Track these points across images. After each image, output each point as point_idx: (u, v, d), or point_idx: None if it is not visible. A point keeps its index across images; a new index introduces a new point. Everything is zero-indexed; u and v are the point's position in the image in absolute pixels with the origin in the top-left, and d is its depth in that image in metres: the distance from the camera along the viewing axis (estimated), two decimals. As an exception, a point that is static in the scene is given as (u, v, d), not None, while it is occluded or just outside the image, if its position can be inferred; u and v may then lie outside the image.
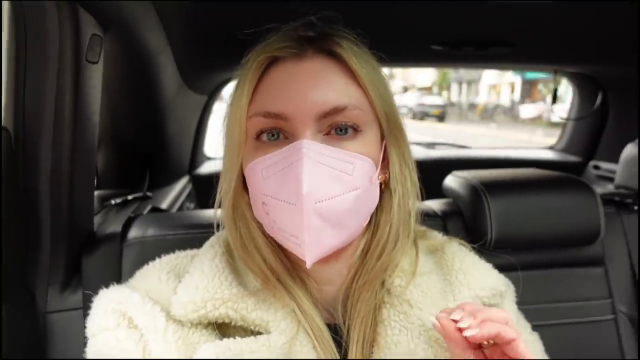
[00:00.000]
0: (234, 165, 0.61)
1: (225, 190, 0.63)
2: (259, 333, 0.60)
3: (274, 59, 0.60)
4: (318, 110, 0.56)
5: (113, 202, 1.21)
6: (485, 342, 0.52)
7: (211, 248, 0.68)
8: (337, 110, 0.57)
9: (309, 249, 0.56)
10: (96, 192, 1.22)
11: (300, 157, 0.54)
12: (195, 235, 0.89)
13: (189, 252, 0.71)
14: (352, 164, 0.58)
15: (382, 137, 0.63)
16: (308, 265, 0.57)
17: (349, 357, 0.62)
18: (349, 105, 0.57)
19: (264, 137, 0.59)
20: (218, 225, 0.68)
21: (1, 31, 0.70)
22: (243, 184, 0.63)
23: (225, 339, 0.59)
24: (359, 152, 0.58)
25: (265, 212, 0.59)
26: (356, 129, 0.59)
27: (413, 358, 0.60)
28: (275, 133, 0.59)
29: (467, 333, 0.50)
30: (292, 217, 0.56)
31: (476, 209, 1.05)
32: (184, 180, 1.92)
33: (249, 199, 0.63)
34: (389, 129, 0.62)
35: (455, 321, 0.51)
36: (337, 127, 0.58)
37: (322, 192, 0.55)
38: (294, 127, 0.57)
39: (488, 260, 0.75)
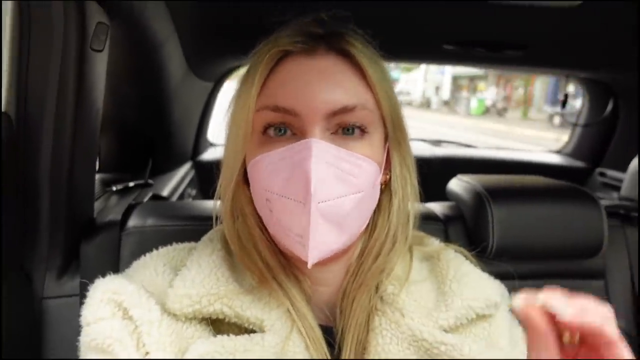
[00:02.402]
0: (236, 158, 0.60)
1: (225, 183, 0.63)
2: (253, 331, 0.60)
3: (286, 54, 0.59)
4: (328, 109, 0.56)
5: (114, 188, 1.20)
6: (569, 338, 0.42)
7: (209, 243, 0.67)
8: (346, 110, 0.56)
9: (312, 249, 0.55)
10: (97, 176, 1.21)
11: (310, 155, 0.54)
12: (195, 227, 0.88)
13: (187, 245, 0.70)
14: (359, 167, 0.57)
15: (386, 139, 0.63)
16: (309, 265, 0.56)
17: (342, 357, 0.61)
18: (358, 105, 0.57)
19: (271, 132, 0.58)
20: (217, 218, 0.67)
21: (5, 17, 0.69)
22: (244, 177, 0.63)
23: (219, 336, 0.58)
24: (365, 154, 0.58)
25: (269, 210, 0.59)
26: (363, 130, 0.58)
27: None
28: (283, 128, 0.58)
29: (564, 317, 0.39)
30: (298, 216, 0.55)
31: (479, 215, 1.04)
32: (186, 166, 1.91)
33: (250, 193, 0.63)
34: (393, 132, 0.62)
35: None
36: (344, 127, 0.57)
37: (327, 191, 0.54)
38: (303, 124, 0.56)
39: (487, 268, 0.74)
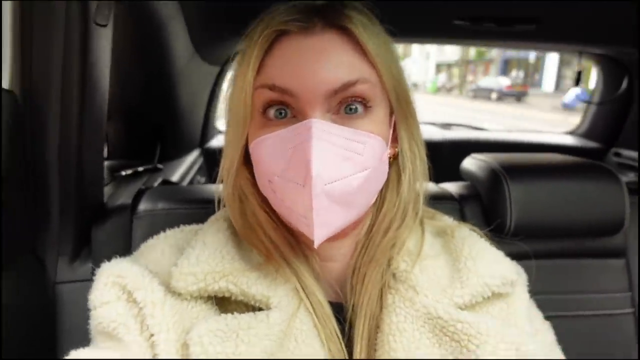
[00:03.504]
0: (237, 140, 0.60)
1: (227, 165, 0.62)
2: (260, 309, 0.59)
3: (281, 32, 0.57)
4: (327, 88, 0.54)
5: (123, 173, 1.19)
6: None
7: (215, 222, 0.66)
8: (346, 86, 0.55)
9: (318, 229, 0.54)
10: (106, 163, 1.20)
11: (310, 137, 0.53)
12: (207, 210, 0.87)
13: (194, 227, 0.70)
14: (363, 144, 0.56)
15: (391, 113, 0.61)
16: (316, 245, 0.55)
17: (355, 334, 0.61)
18: (359, 79, 0.56)
19: (271, 113, 0.57)
20: (219, 201, 0.67)
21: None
22: (245, 158, 0.62)
23: (223, 315, 0.58)
24: (369, 130, 0.57)
25: (272, 190, 0.58)
26: (366, 105, 0.57)
27: (418, 346, 0.58)
28: (283, 110, 0.57)
29: None
30: (300, 198, 0.54)
31: (495, 193, 1.01)
32: (195, 153, 1.90)
33: (251, 176, 0.62)
34: (399, 105, 0.61)
35: None
36: (346, 105, 0.56)
37: (331, 173, 0.54)
38: (302, 106, 0.55)
39: (504, 247, 0.72)
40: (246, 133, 0.59)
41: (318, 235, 0.55)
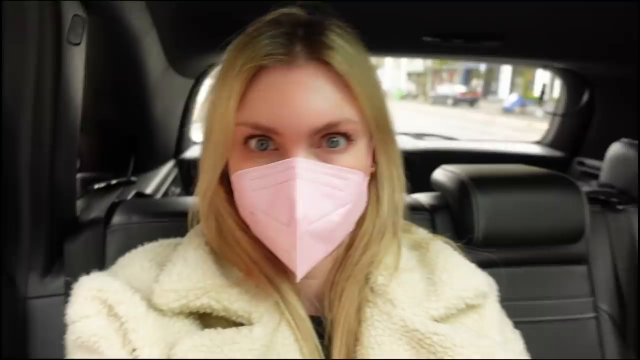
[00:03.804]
0: (215, 165, 0.59)
1: (204, 187, 0.61)
2: (241, 324, 0.60)
3: (262, 66, 0.55)
4: (310, 127, 0.54)
5: (96, 186, 1.18)
6: None
7: (195, 237, 0.66)
8: (330, 126, 0.55)
9: (300, 266, 0.55)
10: (78, 175, 1.19)
11: (294, 177, 0.52)
12: (182, 223, 0.87)
13: (173, 241, 0.70)
14: (345, 179, 0.56)
15: (371, 137, 0.61)
16: (298, 279, 0.56)
17: (333, 349, 0.61)
18: (342, 120, 0.55)
19: (253, 143, 0.56)
20: (193, 217, 0.67)
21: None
22: (223, 179, 0.61)
23: (206, 330, 0.58)
24: (351, 165, 0.57)
25: (254, 221, 0.58)
26: (348, 139, 0.57)
27: (396, 359, 0.60)
28: (265, 142, 0.56)
29: None
30: (284, 237, 0.54)
31: (464, 204, 1.05)
32: (169, 165, 1.89)
33: (228, 194, 0.62)
34: (379, 133, 0.61)
35: None
36: (329, 139, 0.56)
37: (314, 211, 0.54)
38: (285, 142, 0.54)
39: (473, 256, 0.74)
40: (225, 160, 0.59)
41: (300, 270, 0.55)
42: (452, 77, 30.39)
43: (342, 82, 0.55)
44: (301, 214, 0.52)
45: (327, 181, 0.55)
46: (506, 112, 17.68)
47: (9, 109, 0.75)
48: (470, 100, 22.62)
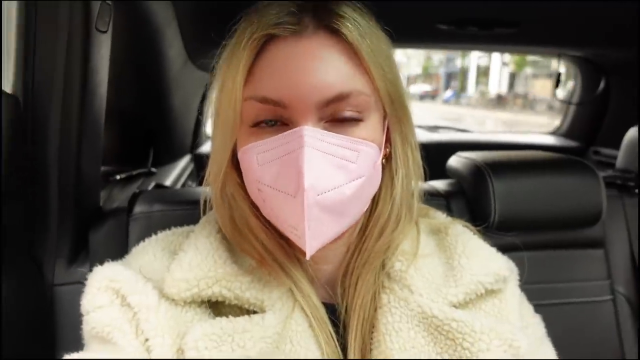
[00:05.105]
0: (225, 146, 0.58)
1: (215, 170, 0.60)
2: (254, 312, 0.59)
3: (271, 36, 0.54)
4: (320, 98, 0.52)
5: (118, 177, 1.20)
6: None
7: (207, 225, 0.65)
8: (340, 98, 0.53)
9: (309, 241, 0.53)
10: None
11: (302, 146, 0.51)
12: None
13: (186, 229, 0.69)
14: (357, 152, 0.54)
15: (385, 116, 0.60)
16: (308, 256, 0.54)
17: (349, 336, 0.61)
18: (354, 91, 0.54)
19: (261, 123, 0.56)
20: (205, 203, 0.66)
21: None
22: (235, 163, 0.60)
23: (218, 318, 0.57)
24: (363, 137, 0.55)
25: (261, 199, 0.57)
26: (359, 113, 0.55)
27: (413, 345, 0.59)
28: (274, 120, 0.55)
29: None
30: (291, 209, 0.53)
31: (480, 189, 1.05)
32: (186, 159, 1.91)
33: (240, 180, 0.61)
34: (393, 109, 0.59)
35: None
36: (339, 113, 0.54)
37: (324, 183, 0.52)
38: (294, 115, 0.53)
39: (490, 240, 0.74)
40: (234, 139, 0.58)
41: (310, 247, 0.53)
42: (438, 79, 35.16)
43: (353, 53, 0.54)
44: (308, 182, 0.50)
45: (337, 152, 0.53)
46: (445, 103, 26.52)
47: (39, 96, 0.76)
48: (432, 96, 30.74)
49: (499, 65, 24.54)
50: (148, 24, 1.04)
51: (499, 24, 1.37)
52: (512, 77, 24.83)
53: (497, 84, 25.25)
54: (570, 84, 2.38)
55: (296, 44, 0.54)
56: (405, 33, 1.54)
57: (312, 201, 0.51)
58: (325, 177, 0.52)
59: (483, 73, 27.98)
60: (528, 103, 20.25)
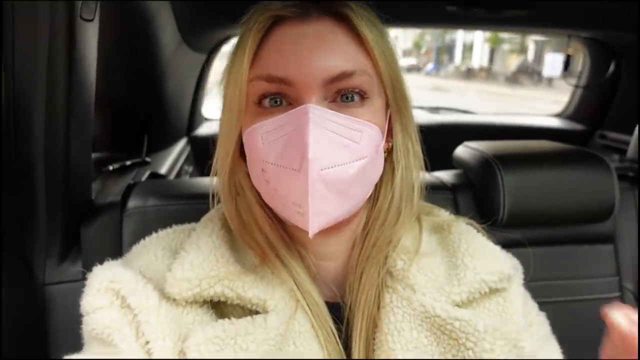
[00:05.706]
0: (232, 131, 0.58)
1: (222, 157, 0.60)
2: (256, 312, 0.58)
3: (278, 19, 0.56)
4: (325, 76, 0.53)
5: (111, 167, 1.17)
6: None
7: (209, 223, 0.64)
8: (344, 76, 0.54)
9: (313, 217, 0.53)
10: (92, 155, 1.18)
11: (307, 122, 0.51)
12: (198, 205, 0.85)
13: (187, 227, 0.68)
14: (360, 132, 0.55)
15: (387, 106, 0.61)
16: (310, 235, 0.54)
17: (353, 334, 0.60)
18: (357, 70, 0.55)
19: (266, 102, 0.56)
20: (213, 196, 0.65)
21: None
22: (241, 151, 0.60)
23: (220, 320, 0.57)
24: (366, 119, 0.56)
25: (264, 180, 0.56)
26: (363, 96, 0.56)
27: (416, 345, 0.58)
28: (279, 99, 0.55)
29: None
30: (295, 184, 0.53)
31: (488, 183, 1.02)
32: (182, 142, 1.87)
33: (247, 167, 0.61)
34: (394, 99, 0.60)
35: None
36: (343, 94, 0.55)
37: (328, 158, 0.52)
38: (299, 93, 0.54)
39: (498, 236, 0.72)
40: (240, 124, 0.58)
41: (313, 224, 0.53)
42: (430, 53, 36.63)
43: (357, 38, 0.56)
44: (312, 155, 0.51)
45: (341, 131, 0.54)
46: (427, 75, 27.92)
47: (21, 89, 0.73)
48: (418, 69, 32.21)
49: (480, 41, 27.32)
50: (139, 9, 0.99)
51: (509, 5, 1.31)
52: (492, 52, 27.93)
53: (479, 58, 28.09)
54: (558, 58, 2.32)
55: (302, 26, 0.55)
56: (413, 13, 1.49)
57: (315, 175, 0.51)
58: (330, 154, 0.53)
59: (469, 49, 30.27)
60: (491, 75, 24.89)
